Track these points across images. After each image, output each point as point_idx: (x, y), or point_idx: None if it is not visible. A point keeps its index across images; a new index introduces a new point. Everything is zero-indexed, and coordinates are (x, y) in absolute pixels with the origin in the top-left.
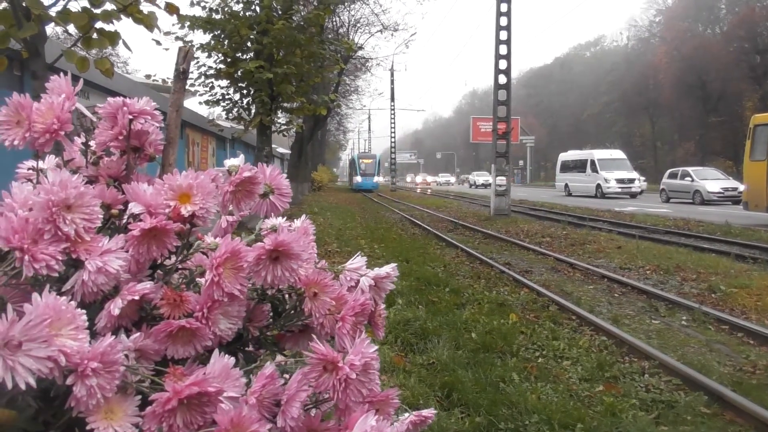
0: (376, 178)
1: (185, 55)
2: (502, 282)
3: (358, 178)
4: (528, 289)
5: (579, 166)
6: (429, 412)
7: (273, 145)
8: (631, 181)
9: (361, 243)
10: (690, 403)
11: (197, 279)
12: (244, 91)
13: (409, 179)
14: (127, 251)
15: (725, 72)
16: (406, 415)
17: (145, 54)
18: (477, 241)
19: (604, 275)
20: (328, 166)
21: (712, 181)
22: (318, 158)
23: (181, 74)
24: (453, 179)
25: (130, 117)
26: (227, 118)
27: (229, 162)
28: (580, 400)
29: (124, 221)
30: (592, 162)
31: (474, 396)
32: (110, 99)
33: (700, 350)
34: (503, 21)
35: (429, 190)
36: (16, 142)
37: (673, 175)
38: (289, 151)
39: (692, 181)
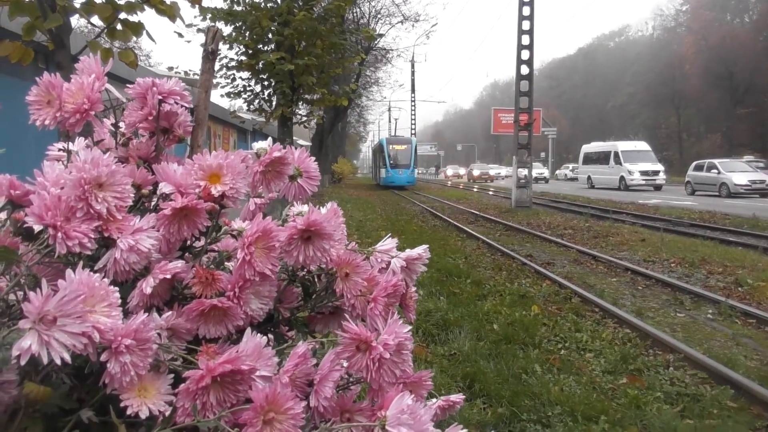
0: (411, 172)
1: (214, 36)
2: (523, 274)
3: (388, 171)
4: (550, 281)
5: (602, 158)
6: (457, 397)
7: (293, 137)
8: (656, 173)
9: (382, 234)
10: (716, 396)
11: (225, 263)
12: (266, 83)
13: (451, 171)
14: (158, 230)
15: (754, 62)
16: (434, 400)
17: (167, 47)
18: (498, 233)
19: (628, 268)
20: (348, 158)
21: (740, 173)
22: (338, 150)
23: (210, 55)
24: (503, 171)
25: (160, 97)
26: (248, 110)
27: (258, 144)
28: (604, 392)
29: (154, 203)
30: (616, 154)
31: (496, 387)
32: (139, 79)
33: (727, 344)
34: (526, 10)
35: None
36: (47, 122)
37: (699, 168)
38: (310, 143)
39: (719, 173)
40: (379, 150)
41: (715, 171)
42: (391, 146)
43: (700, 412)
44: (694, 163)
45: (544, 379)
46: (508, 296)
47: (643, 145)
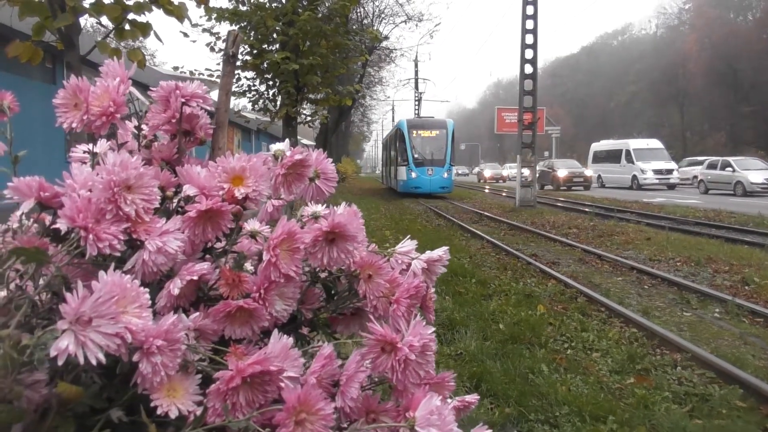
0: (446, 172)
1: (234, 39)
2: (528, 273)
3: (410, 170)
4: (555, 281)
5: (613, 156)
6: (472, 398)
7: (298, 137)
8: (669, 171)
9: (386, 234)
10: (725, 396)
11: (245, 264)
12: (270, 83)
13: (489, 171)
14: (183, 232)
15: (757, 60)
16: (449, 401)
17: (171, 46)
18: (502, 233)
19: (633, 267)
20: (352, 158)
21: (755, 171)
22: (342, 150)
23: (231, 58)
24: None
25: (183, 100)
26: (253, 110)
27: (275, 146)
28: (611, 392)
29: (175, 204)
30: (627, 152)
31: (503, 387)
32: (162, 82)
33: (734, 343)
34: (529, 10)
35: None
36: (74, 125)
37: (712, 166)
38: (314, 143)
39: (733, 171)
40: (396, 139)
41: (730, 169)
42: (415, 132)
43: (709, 412)
44: (707, 161)
45: (551, 379)
46: (513, 296)
47: (655, 143)
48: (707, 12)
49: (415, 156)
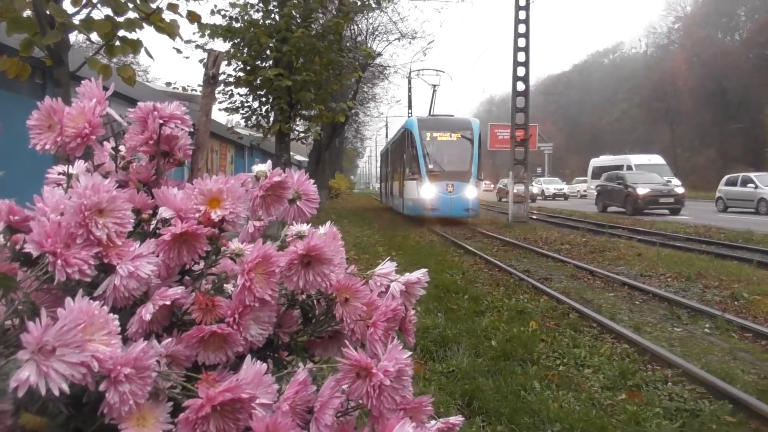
0: (472, 189)
1: (215, 60)
2: (521, 289)
3: (423, 185)
4: (548, 297)
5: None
6: (456, 419)
7: (291, 153)
8: None
9: (379, 250)
10: (715, 411)
11: (224, 285)
12: (263, 99)
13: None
14: (157, 256)
15: (745, 79)
16: (433, 422)
17: (164, 62)
18: (495, 249)
19: (625, 282)
20: (345, 174)
21: None
22: (335, 166)
23: (211, 79)
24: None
25: (161, 121)
26: (246, 126)
27: (257, 167)
28: (603, 408)
29: (152, 226)
30: (629, 168)
31: (495, 404)
32: (141, 103)
33: (724, 358)
34: (521, 28)
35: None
36: (47, 147)
37: (731, 182)
38: (307, 159)
39: (756, 188)
40: (403, 145)
41: (752, 185)
42: (429, 135)
43: (700, 428)
44: (726, 177)
45: (543, 396)
46: (506, 312)
47: (657, 159)
48: (696, 32)
49: (430, 167)
